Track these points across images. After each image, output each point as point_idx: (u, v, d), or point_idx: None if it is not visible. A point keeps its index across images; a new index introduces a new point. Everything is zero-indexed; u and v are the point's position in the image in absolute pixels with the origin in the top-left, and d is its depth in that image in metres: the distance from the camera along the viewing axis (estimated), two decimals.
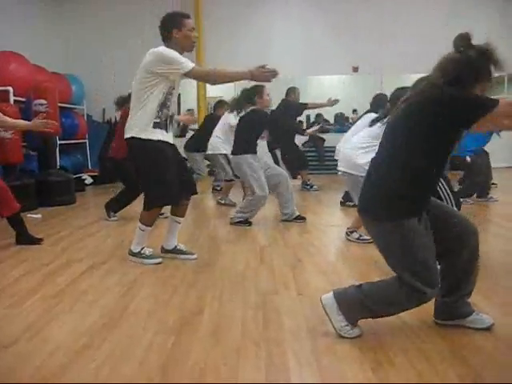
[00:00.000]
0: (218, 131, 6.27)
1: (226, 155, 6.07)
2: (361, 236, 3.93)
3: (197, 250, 3.62)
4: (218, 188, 7.22)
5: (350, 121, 10.67)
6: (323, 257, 3.62)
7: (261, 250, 3.78)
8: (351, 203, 5.05)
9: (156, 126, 3.19)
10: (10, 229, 4.07)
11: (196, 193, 3.58)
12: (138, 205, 5.21)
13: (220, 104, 7.04)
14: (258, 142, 4.88)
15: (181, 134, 9.18)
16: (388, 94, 4.11)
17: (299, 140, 7.82)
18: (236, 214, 4.77)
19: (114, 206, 5.12)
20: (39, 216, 5.40)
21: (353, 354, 1.96)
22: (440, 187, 3.03)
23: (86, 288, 2.90)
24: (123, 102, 4.99)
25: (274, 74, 3.05)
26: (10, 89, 6.41)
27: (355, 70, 10.04)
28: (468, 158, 5.64)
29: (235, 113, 5.12)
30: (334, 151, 5.50)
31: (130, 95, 3.49)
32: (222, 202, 6.17)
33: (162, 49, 3.15)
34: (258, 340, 2.11)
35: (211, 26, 9.49)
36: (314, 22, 9.85)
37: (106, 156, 5.57)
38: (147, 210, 3.35)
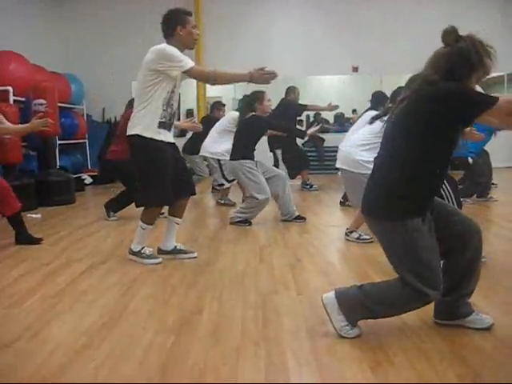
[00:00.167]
0: (213, 131, 6.20)
1: (218, 160, 6.02)
2: (360, 236, 3.93)
3: (196, 250, 3.62)
4: (218, 188, 7.21)
5: (350, 121, 10.66)
6: (323, 257, 3.62)
7: (260, 249, 3.78)
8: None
9: (161, 125, 3.20)
10: (9, 229, 4.07)
11: (194, 193, 3.58)
12: None
13: (217, 105, 7.01)
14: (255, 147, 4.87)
15: (180, 134, 9.17)
16: (388, 94, 4.11)
17: (299, 140, 7.79)
18: (236, 214, 4.77)
19: (114, 206, 5.12)
20: (39, 216, 5.40)
21: (352, 354, 1.96)
22: (442, 187, 3.02)
23: (85, 288, 2.90)
24: (130, 104, 4.92)
25: (273, 76, 3.08)
26: (10, 89, 6.40)
27: (355, 69, 10.04)
28: (470, 159, 5.63)
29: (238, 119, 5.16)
30: (333, 151, 5.48)
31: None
32: (222, 202, 6.17)
33: (164, 46, 3.16)
34: (257, 340, 2.11)
35: (211, 25, 9.47)
36: (314, 22, 9.84)
37: (105, 158, 5.56)
38: (143, 207, 3.38)
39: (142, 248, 3.43)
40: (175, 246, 3.54)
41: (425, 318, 2.26)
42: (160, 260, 3.41)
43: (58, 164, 7.02)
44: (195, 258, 3.50)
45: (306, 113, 9.18)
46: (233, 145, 4.94)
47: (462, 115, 1.90)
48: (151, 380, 1.80)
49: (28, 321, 2.38)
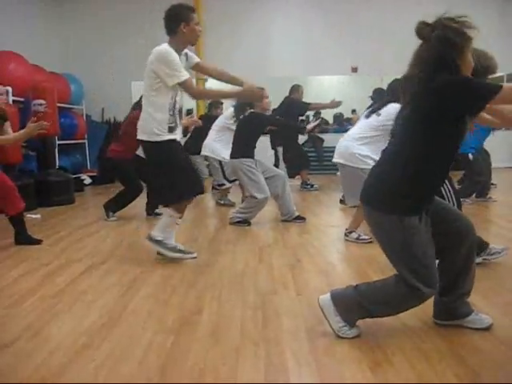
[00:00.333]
0: (213, 129, 6.21)
1: (220, 161, 6.03)
2: (360, 236, 3.93)
3: (196, 250, 3.62)
4: (218, 187, 7.21)
5: (350, 121, 10.66)
6: (322, 257, 3.62)
7: (260, 250, 3.78)
8: None
9: (171, 130, 3.24)
10: (9, 229, 4.07)
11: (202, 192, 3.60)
12: (137, 205, 5.23)
13: (215, 104, 7.00)
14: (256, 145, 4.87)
15: (182, 133, 9.15)
16: None
17: (299, 140, 7.79)
18: (235, 214, 4.77)
19: (113, 207, 5.12)
20: (38, 216, 5.41)
21: (352, 354, 1.96)
22: (443, 186, 3.02)
23: (85, 288, 2.91)
24: (136, 105, 4.90)
25: (260, 96, 3.41)
26: (9, 89, 6.40)
27: (354, 70, 10.04)
28: (470, 156, 5.63)
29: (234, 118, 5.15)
30: (333, 151, 5.46)
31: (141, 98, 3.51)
32: (221, 202, 6.17)
33: (166, 49, 3.13)
34: (257, 340, 2.11)
35: (212, 22, 9.43)
36: (313, 22, 9.85)
37: (105, 156, 5.56)
38: (175, 203, 3.37)
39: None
40: (175, 246, 3.53)
41: (424, 318, 2.26)
42: (195, 255, 3.47)
43: (57, 164, 7.02)
44: (195, 258, 3.51)
45: (307, 112, 9.17)
46: (233, 143, 4.92)
47: (466, 106, 1.85)
48: (151, 380, 1.80)
49: (28, 321, 2.38)
